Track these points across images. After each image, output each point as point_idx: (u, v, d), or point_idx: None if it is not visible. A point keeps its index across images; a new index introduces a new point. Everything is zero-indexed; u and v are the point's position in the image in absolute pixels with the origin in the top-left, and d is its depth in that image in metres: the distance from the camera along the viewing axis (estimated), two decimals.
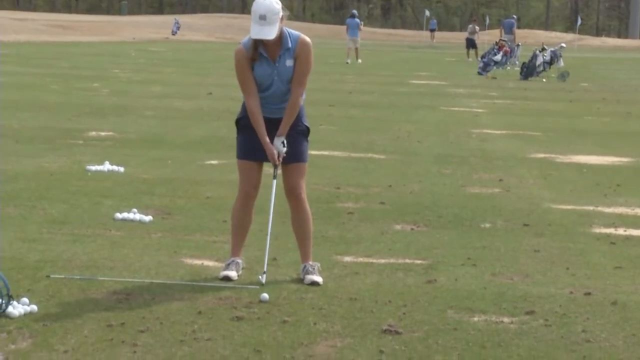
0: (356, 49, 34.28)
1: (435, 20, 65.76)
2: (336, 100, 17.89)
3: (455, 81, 25.34)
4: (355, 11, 37.42)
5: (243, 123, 5.35)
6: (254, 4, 5.10)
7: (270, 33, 5.06)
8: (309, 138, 5.44)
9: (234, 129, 5.49)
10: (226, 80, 22.22)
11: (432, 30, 63.60)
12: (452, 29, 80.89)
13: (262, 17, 5.04)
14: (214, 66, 28.68)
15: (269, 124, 5.25)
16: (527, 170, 9.92)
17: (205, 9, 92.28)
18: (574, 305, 5.02)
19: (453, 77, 27.35)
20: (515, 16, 41.42)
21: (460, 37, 55.73)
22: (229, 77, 23.43)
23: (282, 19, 5.10)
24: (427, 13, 57.92)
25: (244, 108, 5.32)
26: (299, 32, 5.34)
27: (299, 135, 5.35)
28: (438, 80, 25.43)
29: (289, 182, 5.36)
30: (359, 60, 33.61)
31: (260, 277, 5.17)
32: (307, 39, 5.25)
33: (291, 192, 5.36)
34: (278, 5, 5.09)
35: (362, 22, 34.10)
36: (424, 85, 23.36)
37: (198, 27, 68.22)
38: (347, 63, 32.99)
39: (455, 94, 20.75)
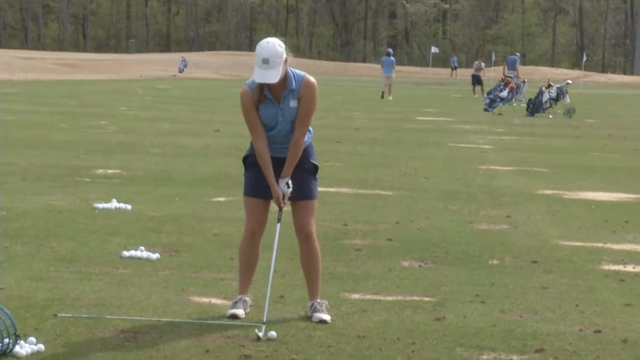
0: (389, 85, 35.29)
1: (455, 58, 66.47)
2: (343, 136, 17.93)
3: (462, 117, 25.40)
4: (390, 50, 39.01)
5: (250, 161, 5.36)
6: (257, 47, 5.09)
7: (273, 77, 5.05)
8: (317, 176, 5.44)
9: (242, 166, 5.50)
10: (233, 117, 22.30)
11: (454, 68, 64.27)
12: (458, 65, 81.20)
13: (265, 61, 5.03)
14: (221, 103, 28.82)
15: (275, 163, 5.25)
16: (535, 207, 9.91)
17: (212, 47, 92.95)
18: (583, 343, 4.99)
19: (459, 113, 27.42)
20: (518, 54, 41.72)
21: (466, 73, 55.97)
22: (236, 114, 23.51)
23: (286, 61, 5.10)
24: (434, 49, 58.26)
25: (252, 146, 5.34)
26: (305, 70, 5.35)
27: (305, 173, 5.35)
28: (444, 117, 25.49)
29: (298, 220, 5.34)
30: (390, 97, 34.50)
31: (257, 331, 4.90)
32: (312, 79, 5.24)
33: (301, 230, 5.34)
34: (281, 49, 5.08)
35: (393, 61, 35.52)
36: (430, 122, 23.42)
37: (205, 64, 68.68)
38: (390, 99, 34.00)
39: (461, 131, 20.78)
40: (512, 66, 36.46)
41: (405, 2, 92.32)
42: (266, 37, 5.32)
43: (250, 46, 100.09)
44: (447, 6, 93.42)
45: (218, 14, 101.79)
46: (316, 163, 5.41)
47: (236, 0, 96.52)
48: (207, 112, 24.51)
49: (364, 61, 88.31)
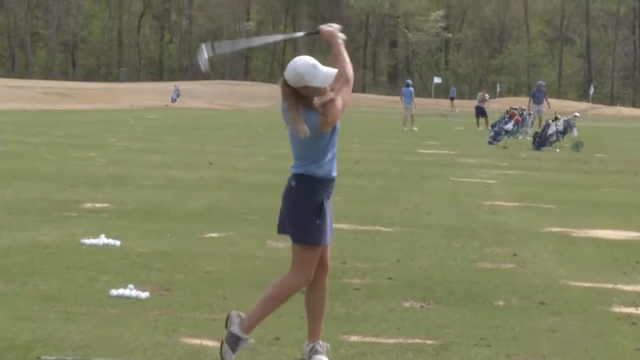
0: (411, 116, 36.76)
1: (454, 88, 66.53)
2: (342, 170, 17.78)
3: (465, 151, 25.45)
4: (409, 81, 40.42)
5: (325, 200, 5.36)
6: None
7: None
8: (307, 220, 5.28)
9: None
10: (228, 149, 22.32)
11: (451, 99, 64.33)
12: (461, 96, 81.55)
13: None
14: (215, 134, 28.87)
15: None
16: (542, 245, 9.88)
17: (206, 76, 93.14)
18: None
19: (463, 146, 27.48)
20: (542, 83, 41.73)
21: (470, 105, 56.20)
22: (230, 146, 23.54)
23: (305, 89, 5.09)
24: (436, 80, 58.56)
25: (316, 185, 5.26)
26: None
27: (290, 214, 5.32)
28: (447, 150, 25.54)
29: (325, 257, 5.37)
30: (415, 128, 35.63)
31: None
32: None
33: (324, 268, 5.37)
34: (298, 77, 5.05)
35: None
36: (432, 155, 23.46)
37: (199, 93, 68.96)
38: (404, 130, 35.34)
39: (465, 164, 20.81)
40: (540, 99, 36.48)
41: (406, 30, 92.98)
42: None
43: (246, 75, 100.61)
44: (450, 35, 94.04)
45: (213, 42, 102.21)
46: (300, 217, 5.25)
47: (231, 28, 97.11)
48: (201, 144, 24.55)
49: (363, 91, 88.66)
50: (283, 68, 5.35)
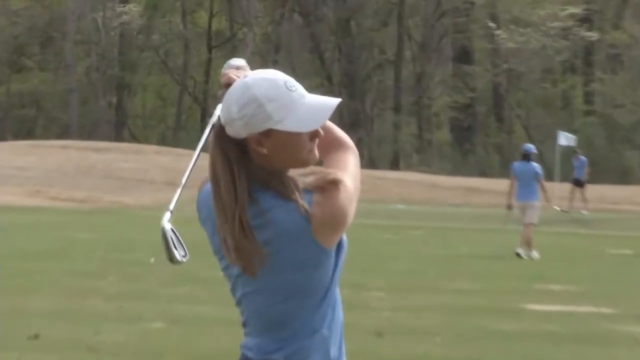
0: (529, 228, 36.60)
1: (584, 158, 66.09)
2: (351, 350, 17.76)
3: (637, 307, 25.40)
4: (530, 146, 38.19)
5: None
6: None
7: None
8: None
9: None
10: (76, 303, 22.11)
11: (576, 182, 64.12)
12: (618, 178, 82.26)
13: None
14: (50, 268, 28.81)
15: None
16: None
17: (29, 130, 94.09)
18: None
19: (630, 296, 27.49)
20: None
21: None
22: (83, 294, 23.27)
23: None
24: (564, 140, 58.86)
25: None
26: None
27: None
28: (593, 305, 25.57)
29: None
30: (535, 254, 36.07)
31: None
32: None
33: None
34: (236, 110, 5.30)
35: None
36: (558, 316, 23.44)
37: (12, 173, 69.45)
38: (518, 255, 35.99)
39: (636, 338, 20.71)
40: None
41: (493, 25, 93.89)
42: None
43: (118, 129, 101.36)
44: (594, 36, 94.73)
45: (42, 51, 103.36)
46: None
47: (89, 17, 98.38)
48: (17, 292, 24.40)
49: (395, 166, 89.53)
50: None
